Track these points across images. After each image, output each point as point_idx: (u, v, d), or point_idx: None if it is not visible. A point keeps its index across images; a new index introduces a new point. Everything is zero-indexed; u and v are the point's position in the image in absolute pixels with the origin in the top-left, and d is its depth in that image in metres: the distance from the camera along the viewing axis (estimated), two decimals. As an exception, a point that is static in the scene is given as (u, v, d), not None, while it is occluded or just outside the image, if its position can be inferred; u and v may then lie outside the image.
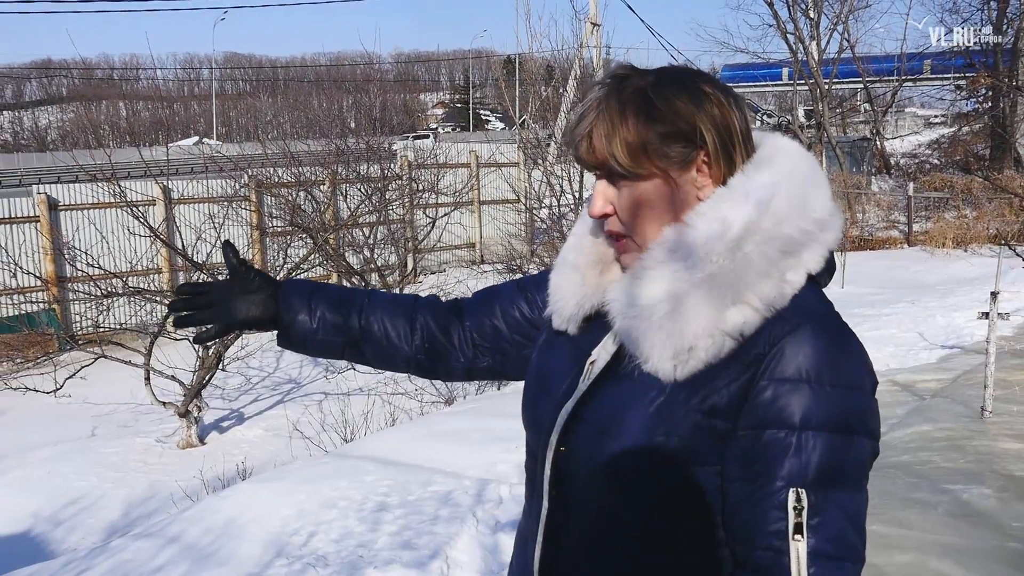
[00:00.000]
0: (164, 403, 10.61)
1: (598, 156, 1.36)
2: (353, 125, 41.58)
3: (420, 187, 16.57)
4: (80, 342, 10.99)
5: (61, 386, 9.90)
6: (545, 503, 1.46)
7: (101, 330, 10.64)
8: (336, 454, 7.44)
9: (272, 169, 16.37)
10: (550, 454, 1.44)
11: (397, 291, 13.73)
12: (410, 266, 15.95)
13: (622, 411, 1.34)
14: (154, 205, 16.49)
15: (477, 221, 21.93)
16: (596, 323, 1.46)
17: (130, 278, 10.84)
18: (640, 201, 1.36)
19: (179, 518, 6.57)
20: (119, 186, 10.74)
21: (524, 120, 15.80)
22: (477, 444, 6.69)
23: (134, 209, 10.71)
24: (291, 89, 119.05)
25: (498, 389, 9.29)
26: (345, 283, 18.41)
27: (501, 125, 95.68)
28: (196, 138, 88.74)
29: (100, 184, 15.23)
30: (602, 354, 1.42)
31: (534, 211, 14.15)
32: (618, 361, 1.39)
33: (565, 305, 1.50)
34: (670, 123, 1.32)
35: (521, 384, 1.65)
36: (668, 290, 1.29)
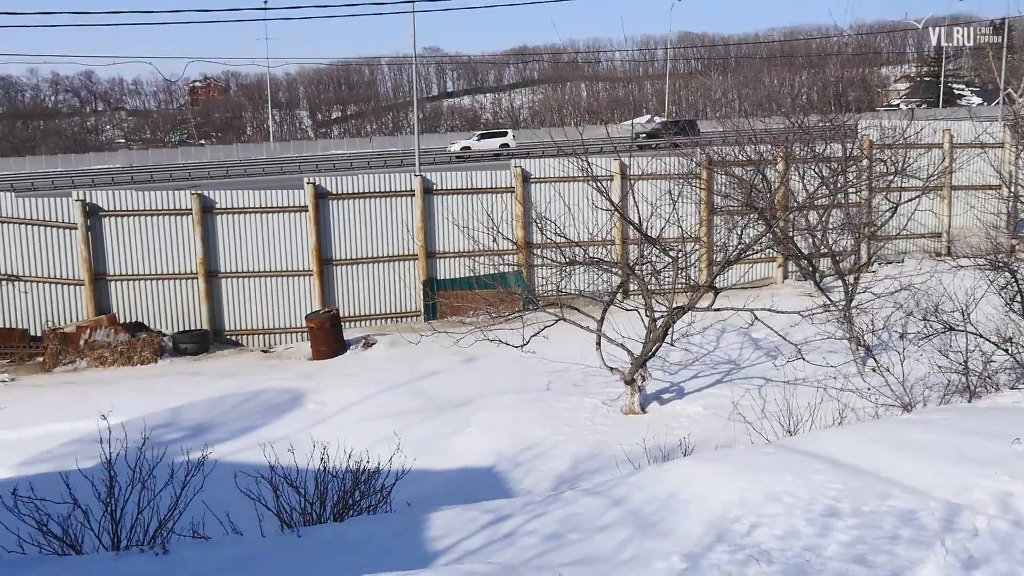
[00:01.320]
0: (612, 368, 11.21)
1: None
2: (805, 102, 39.86)
3: (884, 169, 15.31)
4: (542, 304, 12.04)
5: (527, 342, 10.96)
6: None
7: (561, 294, 11.56)
8: (780, 445, 7.17)
9: (722, 148, 16.29)
10: None
11: (851, 280, 12.86)
12: (864, 254, 14.84)
13: None
14: (611, 180, 17.47)
15: (947, 208, 19.74)
16: None
17: (589, 248, 11.61)
18: None
19: (624, 482, 6.85)
20: (586, 161, 11.50)
21: (1009, 93, 13.67)
22: (945, 462, 5.97)
23: (597, 183, 11.40)
24: (742, 66, 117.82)
25: (968, 401, 8.25)
26: (792, 267, 17.72)
27: (978, 100, 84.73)
28: (648, 116, 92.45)
29: (566, 159, 16.54)
30: None
31: (1021, 199, 12.26)
32: None
33: None
34: None
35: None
36: None
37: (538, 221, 11.94)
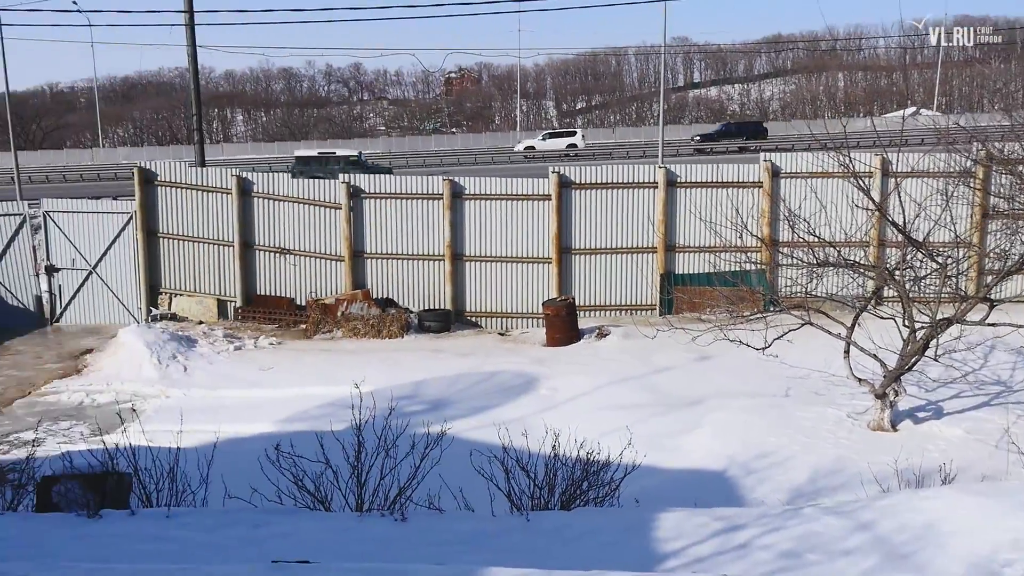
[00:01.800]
0: (860, 379, 10.43)
1: None
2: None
3: None
4: (785, 305, 11.41)
5: (770, 344, 10.45)
6: None
7: (808, 297, 10.89)
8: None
9: (1003, 144, 14.60)
10: None
11: None
12: None
13: None
14: (870, 177, 16.23)
15: None
16: None
17: (843, 249, 10.84)
18: None
19: (872, 505, 6.33)
20: (847, 156, 10.72)
21: None
22: None
23: (858, 180, 10.60)
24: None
25: None
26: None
27: None
28: (913, 108, 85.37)
29: (820, 153, 15.54)
30: None
31: None
32: None
33: None
34: None
35: None
36: None
37: (788, 218, 11.31)
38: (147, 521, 6.57)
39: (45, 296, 18.82)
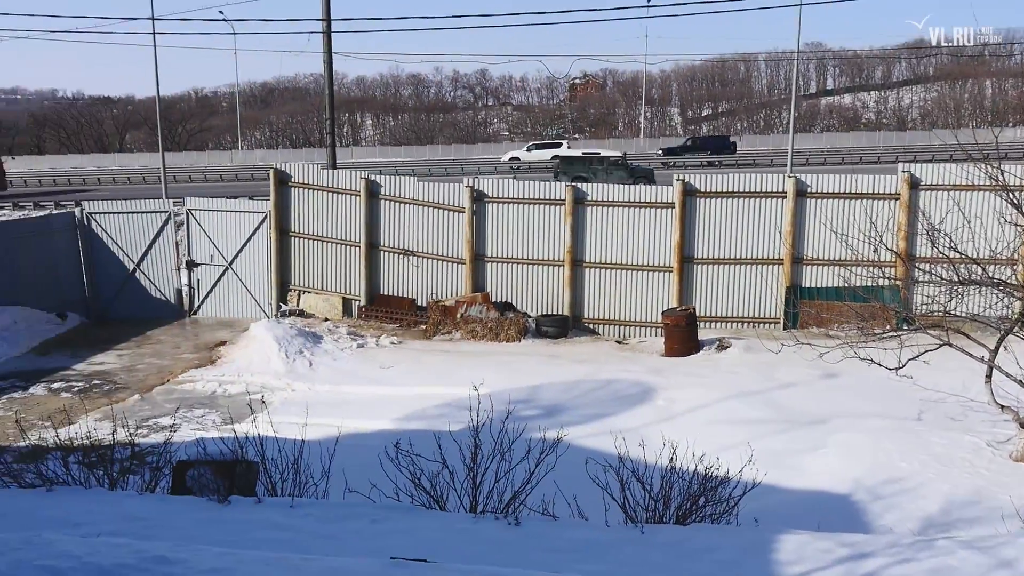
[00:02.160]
0: (1003, 406, 9.79)
1: None
2: None
3: None
4: (920, 324, 10.82)
5: (903, 364, 9.92)
6: None
7: (947, 316, 10.29)
8: None
9: None
10: None
11: None
12: None
13: None
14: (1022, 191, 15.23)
15: None
16: None
17: (989, 267, 10.19)
18: None
19: (1014, 542, 5.93)
20: (997, 168, 10.08)
21: None
22: None
23: (1010, 194, 9.95)
24: None
25: None
26: None
27: None
28: (1071, 119, 79.68)
29: (965, 164, 14.69)
30: None
31: None
32: None
33: None
34: None
35: None
36: None
37: (928, 232, 10.73)
38: (272, 509, 6.83)
39: (184, 289, 19.92)
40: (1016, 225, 10.60)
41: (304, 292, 19.49)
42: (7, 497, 7.27)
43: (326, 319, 18.81)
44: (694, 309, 16.54)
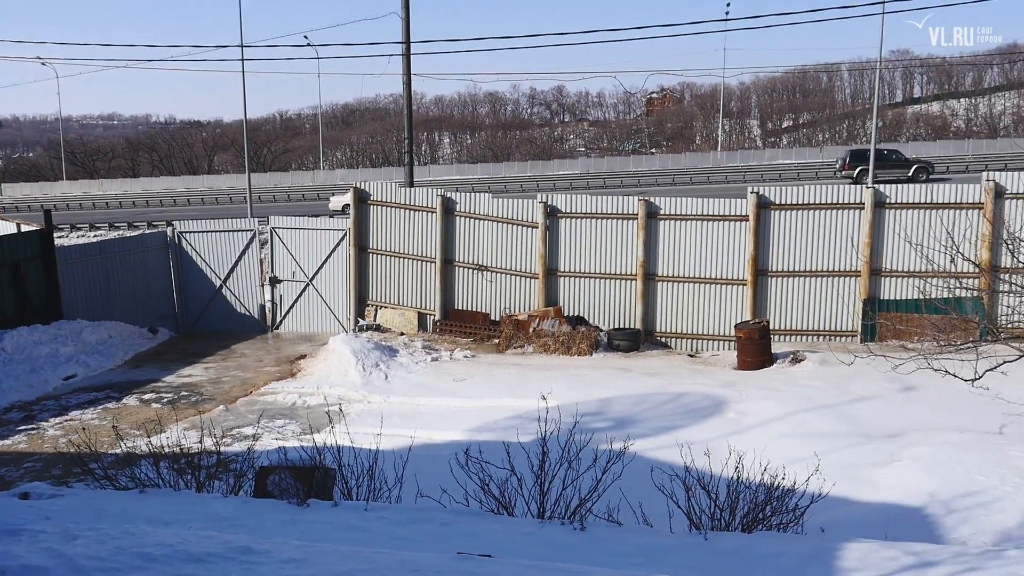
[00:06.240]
0: (1088, 420, 9.50)
1: None
2: None
3: None
4: (1003, 336, 10.57)
5: (981, 376, 9.72)
6: None
7: (1029, 327, 10.05)
8: None
9: None
10: None
11: None
12: None
13: None
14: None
15: None
16: None
17: (1072, 277, 9.94)
18: None
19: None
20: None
21: None
22: None
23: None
24: None
25: None
26: None
27: None
28: None
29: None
30: None
31: None
32: None
33: None
34: None
35: None
36: None
37: (1010, 242, 10.50)
38: (347, 512, 7.14)
39: (268, 305, 20.69)
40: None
41: (381, 307, 20.02)
42: (104, 498, 7.78)
43: (402, 333, 19.27)
44: (768, 322, 16.40)
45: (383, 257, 19.92)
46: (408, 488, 7.69)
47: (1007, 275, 11.11)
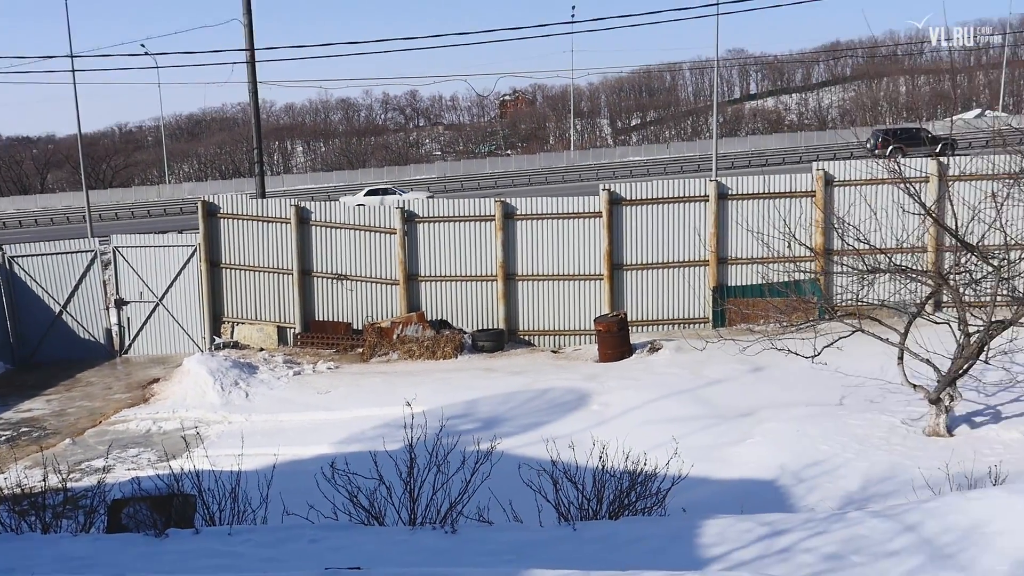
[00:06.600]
0: (915, 385, 10.29)
1: None
2: None
3: None
4: (839, 313, 11.32)
5: (819, 353, 10.37)
6: None
7: (861, 304, 10.79)
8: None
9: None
10: None
11: None
12: None
13: None
14: (926, 183, 16.00)
15: None
16: None
17: (896, 255, 10.73)
18: None
19: (919, 507, 6.30)
20: (896, 163, 10.63)
21: None
22: None
23: (908, 186, 10.50)
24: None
25: None
26: None
27: None
28: (978, 110, 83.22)
29: (873, 161, 15.35)
30: None
31: None
32: None
33: None
34: None
35: None
36: None
37: (838, 226, 11.25)
38: (210, 538, 6.86)
39: (115, 328, 19.61)
40: (916, 214, 11.15)
41: (238, 323, 19.36)
42: (-65, 549, 7.16)
43: (261, 349, 18.70)
44: (625, 314, 16.91)
45: (238, 271, 19.27)
46: (275, 507, 7.46)
47: (839, 257, 11.89)
